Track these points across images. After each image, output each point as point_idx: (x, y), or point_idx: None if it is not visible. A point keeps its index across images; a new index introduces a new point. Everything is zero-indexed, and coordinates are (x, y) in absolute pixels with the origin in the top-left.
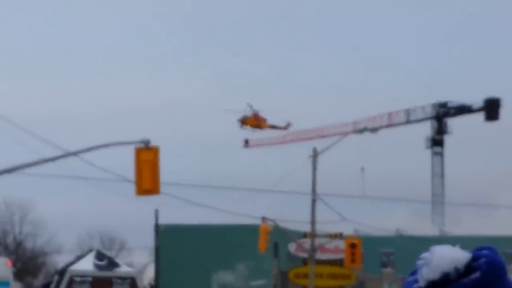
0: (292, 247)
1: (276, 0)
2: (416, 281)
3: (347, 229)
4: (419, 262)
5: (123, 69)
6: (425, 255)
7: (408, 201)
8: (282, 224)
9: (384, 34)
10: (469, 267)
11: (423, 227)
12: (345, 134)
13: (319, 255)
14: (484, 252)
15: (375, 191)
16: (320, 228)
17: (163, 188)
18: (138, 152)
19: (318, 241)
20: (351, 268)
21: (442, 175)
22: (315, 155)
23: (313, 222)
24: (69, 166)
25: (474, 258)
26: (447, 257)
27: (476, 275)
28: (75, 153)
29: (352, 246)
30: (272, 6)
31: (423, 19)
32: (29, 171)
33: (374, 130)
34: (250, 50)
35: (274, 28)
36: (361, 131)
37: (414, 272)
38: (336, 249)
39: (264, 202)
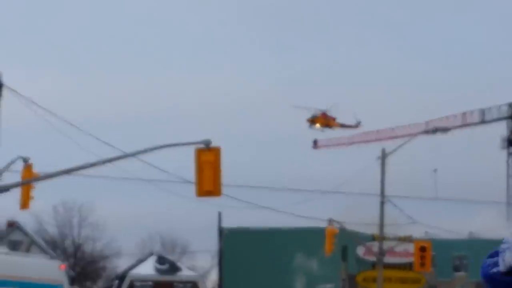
0: (360, 251)
1: None
2: (496, 264)
3: (418, 232)
4: (502, 246)
5: (186, 69)
6: (509, 239)
7: (482, 203)
8: (350, 227)
9: (458, 32)
10: None
11: (498, 231)
12: (415, 134)
13: (388, 259)
14: None
15: (448, 193)
16: (390, 231)
17: (227, 190)
18: (199, 152)
19: (387, 244)
20: (420, 272)
21: None
22: (383, 156)
23: (381, 224)
24: (129, 168)
25: None
26: None
27: None
28: (134, 154)
29: (422, 249)
30: (342, 2)
31: (497, 17)
32: (88, 173)
33: (445, 130)
34: (319, 47)
35: (341, 24)
36: (432, 131)
37: (493, 254)
38: (406, 253)
39: (331, 204)
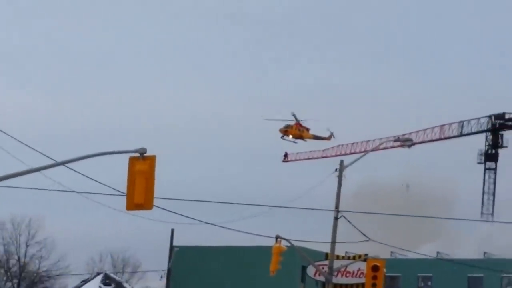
0: (311, 271)
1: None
2: None
3: (384, 252)
4: None
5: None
6: None
7: (452, 220)
8: (308, 245)
9: (437, 46)
10: None
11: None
12: (388, 148)
13: (341, 280)
14: None
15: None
16: (350, 249)
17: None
18: (132, 161)
19: (340, 264)
20: None
21: (493, 193)
22: (341, 168)
23: (333, 242)
24: (60, 179)
25: None
26: None
27: None
28: (65, 163)
29: (374, 269)
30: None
31: (475, 30)
32: (18, 183)
33: (407, 141)
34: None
35: (313, 37)
36: (394, 141)
37: None
38: (360, 272)
39: (288, 221)
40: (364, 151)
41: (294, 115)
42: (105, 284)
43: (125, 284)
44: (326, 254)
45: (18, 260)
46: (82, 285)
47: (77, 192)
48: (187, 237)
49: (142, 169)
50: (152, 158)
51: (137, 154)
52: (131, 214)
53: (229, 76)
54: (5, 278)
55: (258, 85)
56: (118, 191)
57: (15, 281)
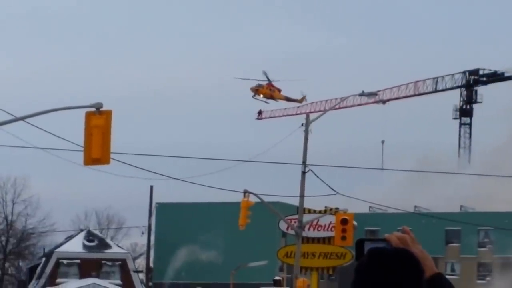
0: (283, 225)
1: None
2: None
3: (362, 206)
4: None
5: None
6: None
7: (431, 173)
8: (290, 200)
9: (410, 2)
10: None
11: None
12: (364, 104)
13: (312, 233)
14: None
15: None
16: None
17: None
18: (89, 116)
19: (311, 217)
20: (344, 246)
21: (469, 147)
22: (307, 123)
23: (302, 196)
24: (20, 135)
25: None
26: None
27: None
28: (23, 118)
29: (343, 222)
30: None
31: None
32: None
33: (372, 94)
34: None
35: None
36: (359, 95)
37: None
38: (331, 226)
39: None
40: (340, 108)
41: (265, 74)
42: (88, 241)
43: (107, 240)
44: (297, 208)
45: (5, 218)
46: (66, 242)
47: (41, 148)
48: (174, 195)
49: (98, 124)
50: (108, 113)
51: (93, 109)
52: (106, 172)
53: (203, 34)
54: None
55: (231, 46)
56: (81, 146)
57: (2, 238)
